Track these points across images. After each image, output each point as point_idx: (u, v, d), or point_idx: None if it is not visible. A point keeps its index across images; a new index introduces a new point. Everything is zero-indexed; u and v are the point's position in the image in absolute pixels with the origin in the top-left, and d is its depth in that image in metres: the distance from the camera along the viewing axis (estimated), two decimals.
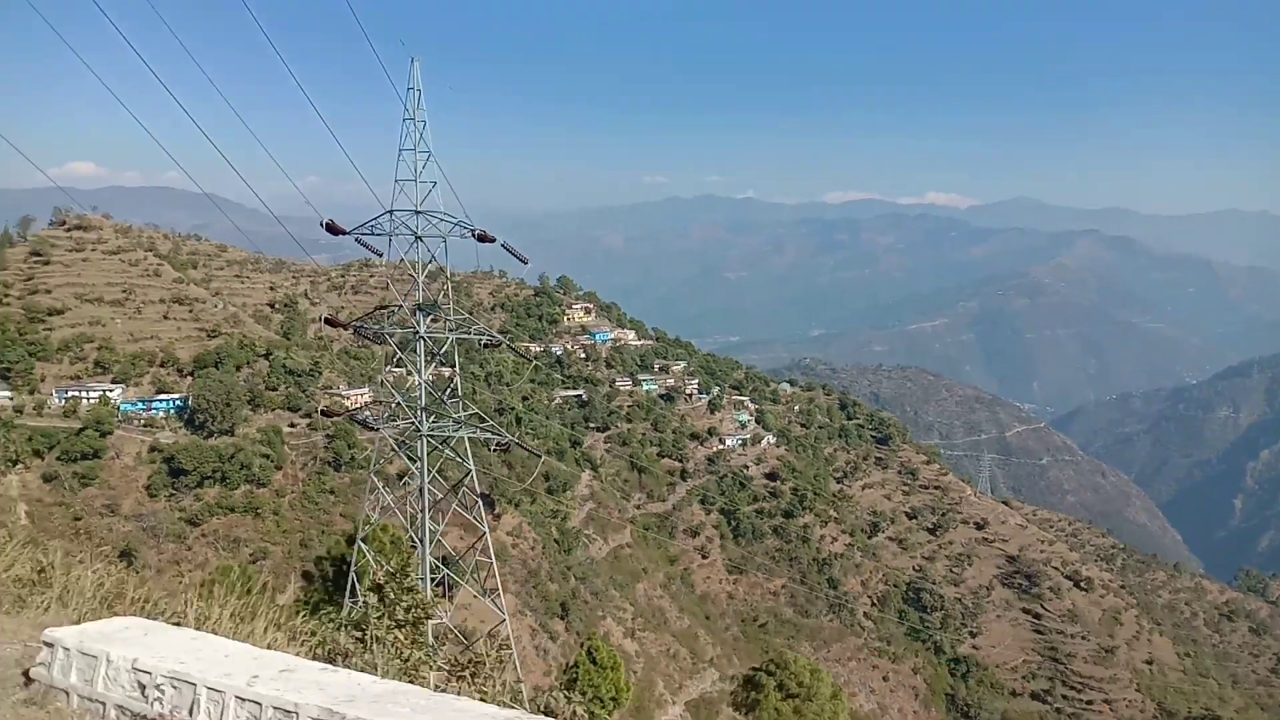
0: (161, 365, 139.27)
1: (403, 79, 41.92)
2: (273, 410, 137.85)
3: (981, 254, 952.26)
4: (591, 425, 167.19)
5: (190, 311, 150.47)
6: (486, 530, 43.32)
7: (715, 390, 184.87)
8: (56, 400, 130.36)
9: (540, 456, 66.04)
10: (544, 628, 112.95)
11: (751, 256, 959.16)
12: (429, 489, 42.75)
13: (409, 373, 50.76)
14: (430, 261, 42.21)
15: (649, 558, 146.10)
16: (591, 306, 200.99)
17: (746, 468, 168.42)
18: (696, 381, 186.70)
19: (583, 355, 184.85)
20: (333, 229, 40.50)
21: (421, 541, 40.16)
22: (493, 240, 40.27)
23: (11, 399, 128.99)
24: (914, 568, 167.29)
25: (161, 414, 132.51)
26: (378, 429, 44.33)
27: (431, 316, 42.83)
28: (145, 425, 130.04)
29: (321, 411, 76.22)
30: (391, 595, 11.31)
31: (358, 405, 72.76)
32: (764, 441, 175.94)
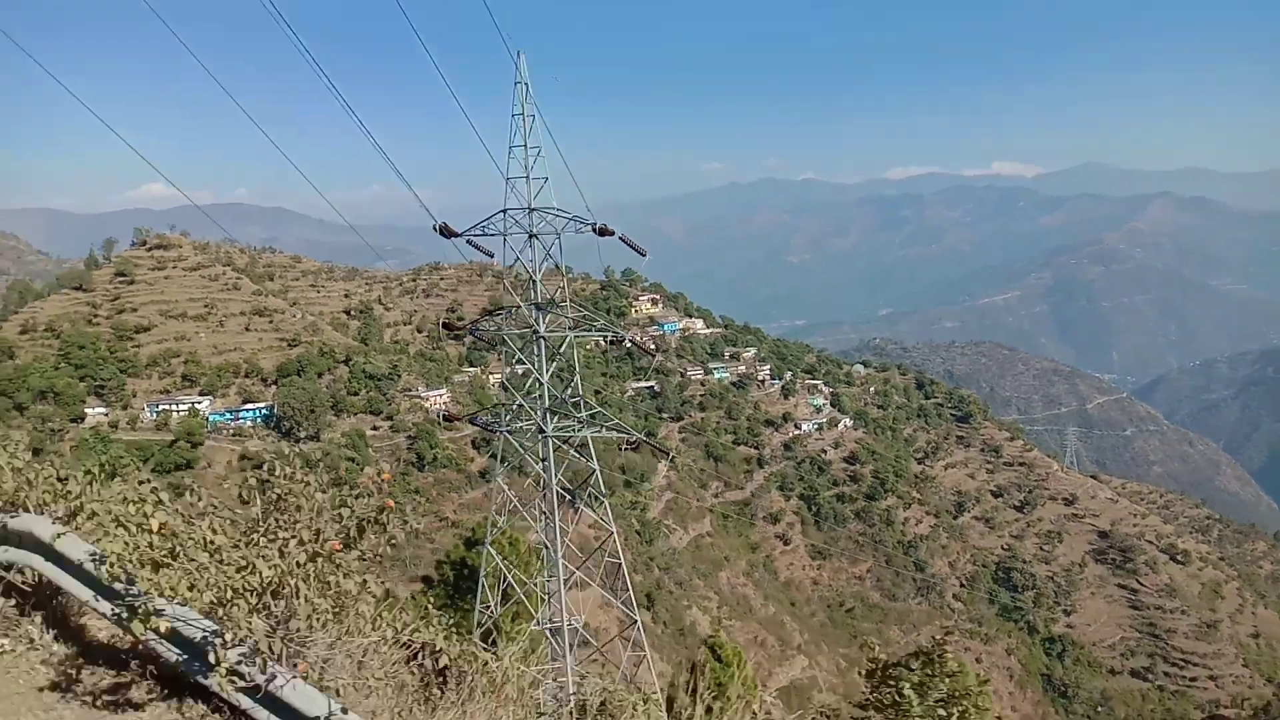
0: (246, 375, 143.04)
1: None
2: (355, 414, 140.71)
3: (1052, 223, 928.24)
4: (665, 416, 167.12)
5: (270, 322, 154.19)
6: (614, 530, 43.09)
7: (788, 375, 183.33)
8: (149, 414, 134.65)
9: (669, 454, 64.09)
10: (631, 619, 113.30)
11: (814, 238, 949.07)
12: (554, 489, 42.65)
13: (514, 373, 50.75)
14: (545, 259, 41.89)
15: (730, 546, 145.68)
16: (658, 297, 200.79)
17: (824, 452, 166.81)
18: (768, 367, 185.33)
19: (652, 346, 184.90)
20: (446, 232, 40.54)
21: (552, 543, 40.18)
22: (612, 233, 39.87)
23: (107, 414, 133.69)
24: (1002, 547, 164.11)
25: (249, 423, 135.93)
26: (501, 430, 44.18)
27: (550, 315, 42.49)
28: (234, 435, 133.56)
29: (445, 416, 76.86)
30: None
31: (480, 409, 72.84)
32: (841, 425, 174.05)
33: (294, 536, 6.81)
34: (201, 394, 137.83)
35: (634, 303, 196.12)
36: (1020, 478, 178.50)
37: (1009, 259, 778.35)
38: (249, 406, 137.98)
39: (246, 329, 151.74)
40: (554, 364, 42.02)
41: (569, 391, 43.22)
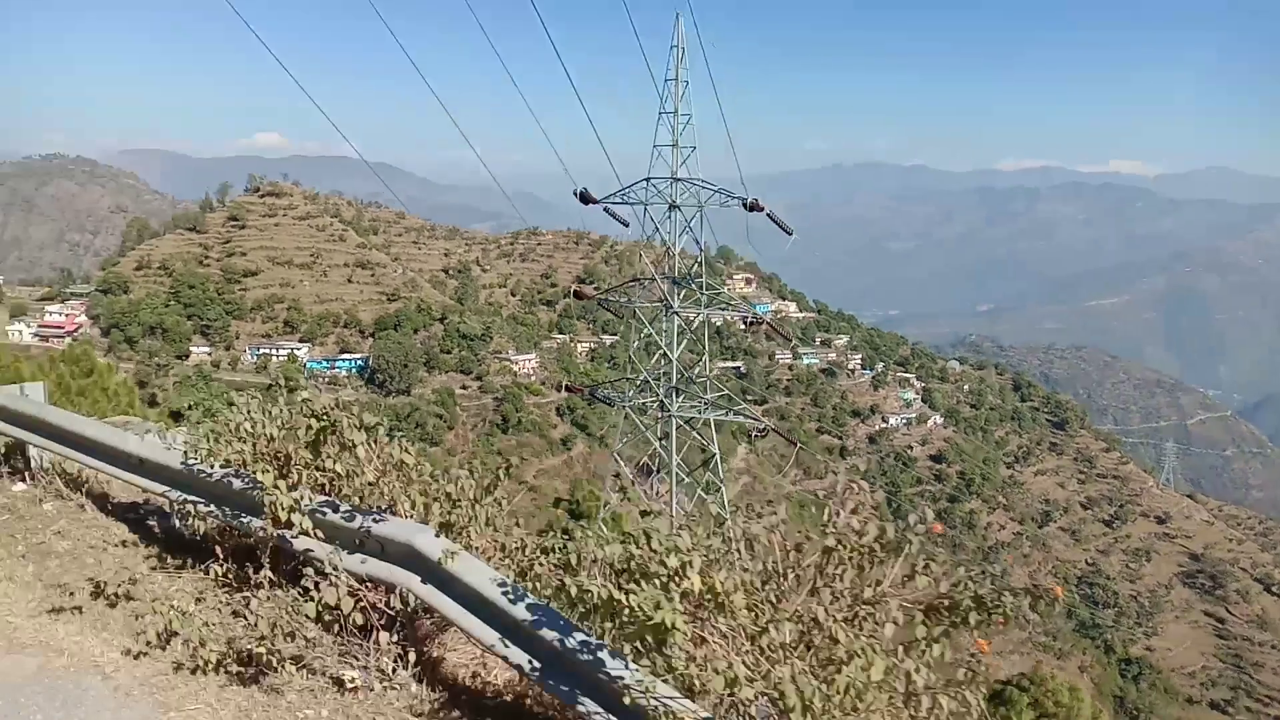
0: (345, 326, 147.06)
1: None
2: (446, 372, 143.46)
3: (1170, 227, 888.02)
4: (749, 398, 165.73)
5: (372, 275, 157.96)
6: (728, 518, 42.36)
7: (879, 366, 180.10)
8: (249, 357, 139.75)
9: (799, 444, 62.33)
10: None
11: (917, 226, 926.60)
12: (674, 468, 41.97)
13: (638, 347, 49.82)
14: (685, 231, 40.98)
15: (805, 536, 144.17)
16: (752, 277, 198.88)
17: (910, 448, 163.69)
18: (860, 357, 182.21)
19: (742, 327, 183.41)
20: (585, 198, 40.51)
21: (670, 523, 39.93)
22: (763, 209, 39.04)
23: (210, 354, 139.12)
24: (1087, 561, 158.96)
25: (344, 372, 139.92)
26: (620, 404, 43.96)
27: (684, 291, 41.70)
28: (329, 383, 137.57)
29: (566, 387, 77.22)
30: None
31: (602, 381, 71.77)
32: (930, 421, 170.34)
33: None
34: (301, 341, 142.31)
35: (728, 281, 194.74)
36: (1113, 491, 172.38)
37: (1121, 261, 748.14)
38: (345, 356, 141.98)
39: (349, 280, 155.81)
40: (684, 341, 41.31)
41: (696, 371, 42.66)
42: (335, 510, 5.70)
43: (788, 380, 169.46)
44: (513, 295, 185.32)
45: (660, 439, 41.25)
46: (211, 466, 6.30)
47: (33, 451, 8.15)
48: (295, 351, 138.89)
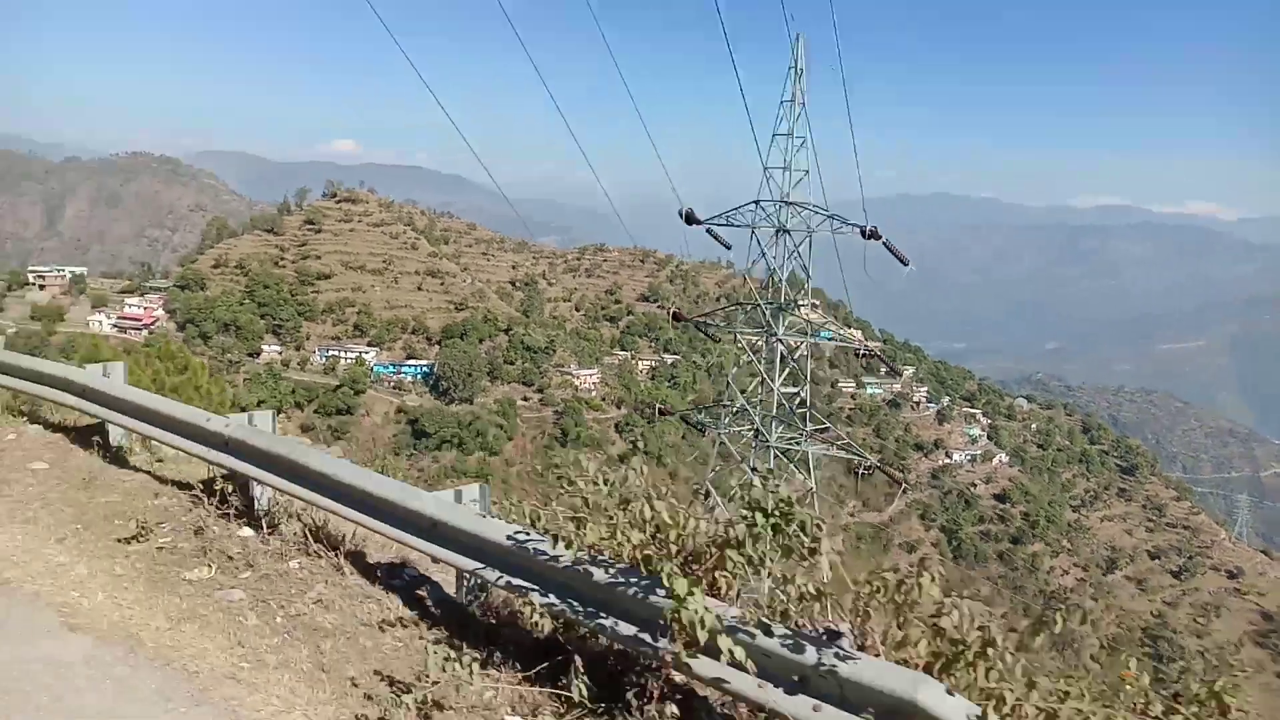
0: (413, 333, 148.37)
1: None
2: (509, 383, 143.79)
3: (1247, 272, 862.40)
4: (809, 425, 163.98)
5: (441, 284, 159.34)
6: (826, 559, 40.58)
7: (945, 400, 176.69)
8: (318, 358, 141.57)
9: (903, 484, 59.41)
10: None
11: (986, 260, 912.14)
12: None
13: (737, 371, 48.56)
14: (793, 255, 40.13)
15: (860, 569, 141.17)
16: (818, 303, 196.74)
17: (974, 485, 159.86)
18: (925, 389, 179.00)
19: (805, 353, 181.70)
20: (690, 218, 39.92)
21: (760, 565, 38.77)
22: (879, 238, 38.10)
23: (280, 353, 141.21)
24: (1153, 613, 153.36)
25: (410, 378, 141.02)
26: (715, 431, 43.01)
27: (789, 319, 40.67)
28: (394, 387, 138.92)
29: (659, 410, 76.02)
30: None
31: (695, 406, 71.12)
32: (995, 459, 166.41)
33: None
34: (369, 345, 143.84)
35: (795, 306, 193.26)
36: (1182, 541, 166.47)
37: (1197, 305, 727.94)
38: (411, 362, 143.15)
39: (419, 288, 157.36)
40: (786, 369, 40.46)
41: (796, 401, 41.54)
42: (768, 633, 4.26)
43: (850, 409, 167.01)
44: (577, 310, 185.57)
45: (754, 469, 39.89)
46: (555, 547, 5.06)
47: (257, 489, 7.26)
48: (363, 355, 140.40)
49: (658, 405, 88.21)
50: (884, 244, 38.46)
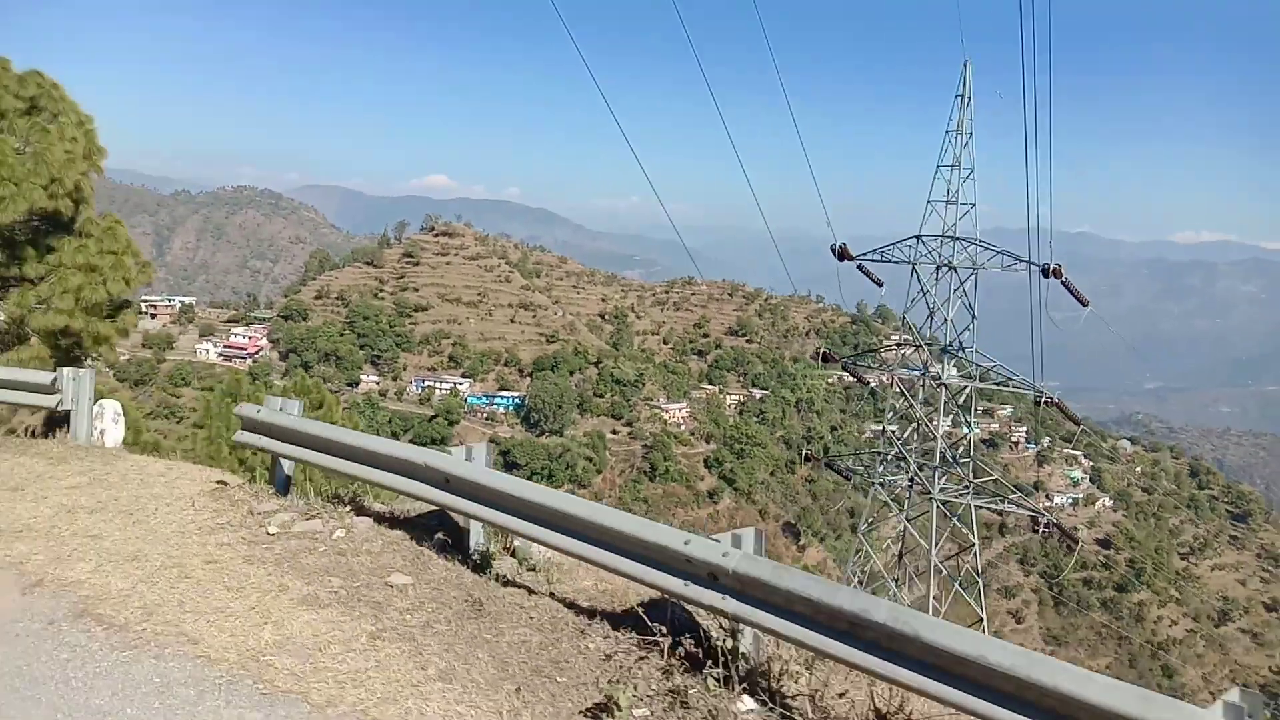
0: (505, 364, 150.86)
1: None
2: (598, 415, 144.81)
3: None
4: (902, 466, 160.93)
5: (533, 317, 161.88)
6: (984, 618, 38.91)
7: (1045, 441, 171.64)
8: (414, 388, 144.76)
9: (1078, 543, 54.94)
10: None
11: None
12: (934, 559, 38.69)
13: (889, 418, 46.75)
14: (957, 292, 38.90)
15: (955, 614, 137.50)
16: (910, 338, 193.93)
17: (1076, 529, 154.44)
18: (1024, 429, 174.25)
19: (898, 390, 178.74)
20: (843, 254, 39.75)
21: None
22: (1061, 276, 37.23)
23: (378, 383, 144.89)
24: (1271, 668, 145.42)
25: (502, 409, 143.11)
26: (872, 483, 41.43)
27: (954, 361, 39.31)
28: (487, 418, 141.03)
29: (805, 456, 74.51)
30: None
31: (844, 455, 67.18)
32: (1099, 504, 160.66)
33: None
34: (464, 376, 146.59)
35: (885, 341, 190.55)
36: None
37: None
38: (504, 394, 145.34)
39: (512, 320, 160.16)
40: (949, 416, 39.09)
41: (960, 451, 40.17)
42: None
43: (943, 449, 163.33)
44: (665, 343, 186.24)
45: (909, 518, 38.67)
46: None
47: (748, 635, 5.20)
48: (458, 386, 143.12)
49: (805, 451, 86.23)
50: (1063, 283, 37.25)
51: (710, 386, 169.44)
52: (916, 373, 39.47)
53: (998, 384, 39.41)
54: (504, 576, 6.74)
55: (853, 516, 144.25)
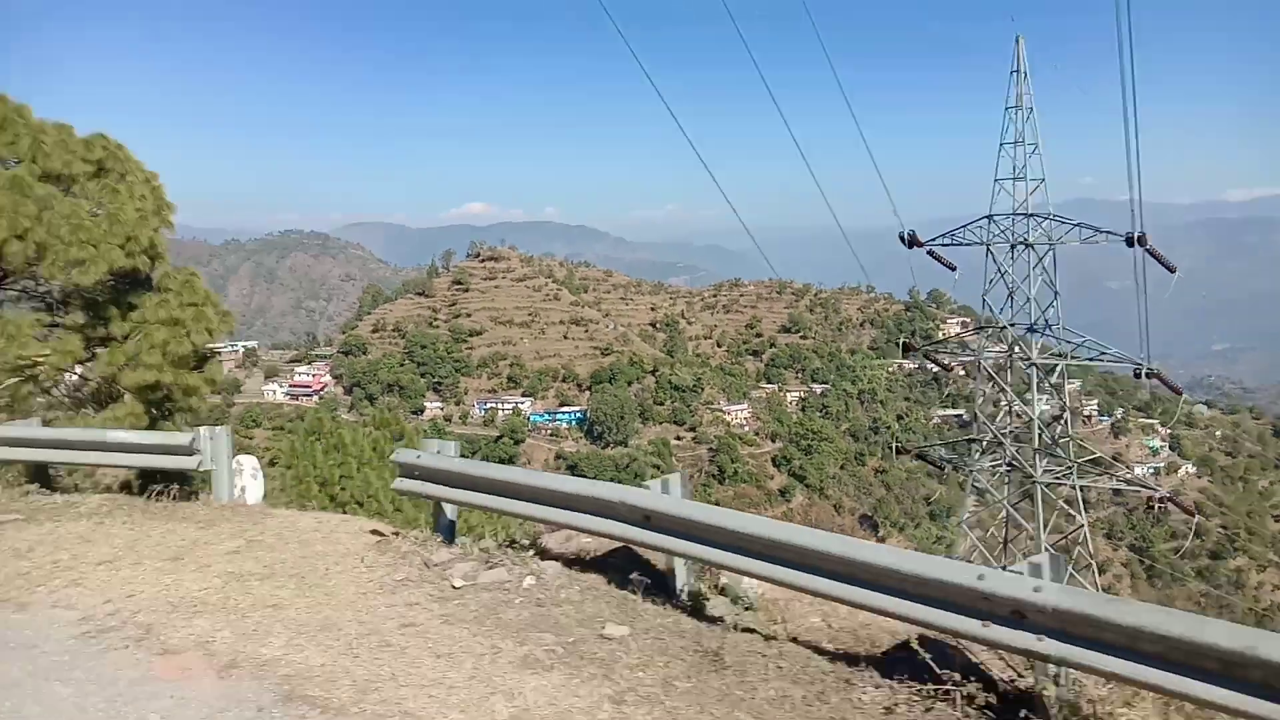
0: (563, 380, 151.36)
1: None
2: (660, 423, 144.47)
3: None
4: (974, 447, 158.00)
5: (586, 331, 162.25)
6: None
7: (1118, 412, 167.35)
8: (477, 411, 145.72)
9: (1194, 516, 53.12)
10: None
11: (1138, 263, 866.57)
12: (1044, 544, 37.82)
13: (976, 403, 45.50)
14: (1037, 269, 38.10)
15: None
16: (969, 321, 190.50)
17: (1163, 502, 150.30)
18: (1096, 402, 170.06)
19: (962, 372, 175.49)
20: (912, 241, 39.20)
21: None
22: (1146, 244, 36.35)
23: (442, 409, 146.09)
24: None
25: (565, 425, 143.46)
26: (969, 471, 40.64)
27: (1041, 339, 38.34)
28: (551, 435, 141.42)
29: (895, 449, 73.54)
30: None
31: (934, 444, 65.22)
32: (1181, 471, 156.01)
33: None
34: (524, 395, 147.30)
35: (941, 325, 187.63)
36: None
37: None
38: (565, 409, 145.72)
39: (565, 337, 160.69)
40: (1043, 396, 38.33)
41: (1059, 432, 39.36)
42: None
43: (1015, 428, 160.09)
44: (719, 346, 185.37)
45: (1007, 502, 37.71)
46: None
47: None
48: (519, 405, 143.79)
49: (894, 444, 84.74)
50: (1148, 251, 36.19)
51: (769, 385, 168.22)
52: (1002, 355, 38.25)
53: (1090, 359, 37.71)
54: (722, 619, 6.12)
55: (929, 504, 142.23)
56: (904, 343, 51.99)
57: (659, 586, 6.70)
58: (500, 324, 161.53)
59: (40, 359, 14.54)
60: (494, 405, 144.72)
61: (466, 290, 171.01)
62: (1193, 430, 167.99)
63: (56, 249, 14.48)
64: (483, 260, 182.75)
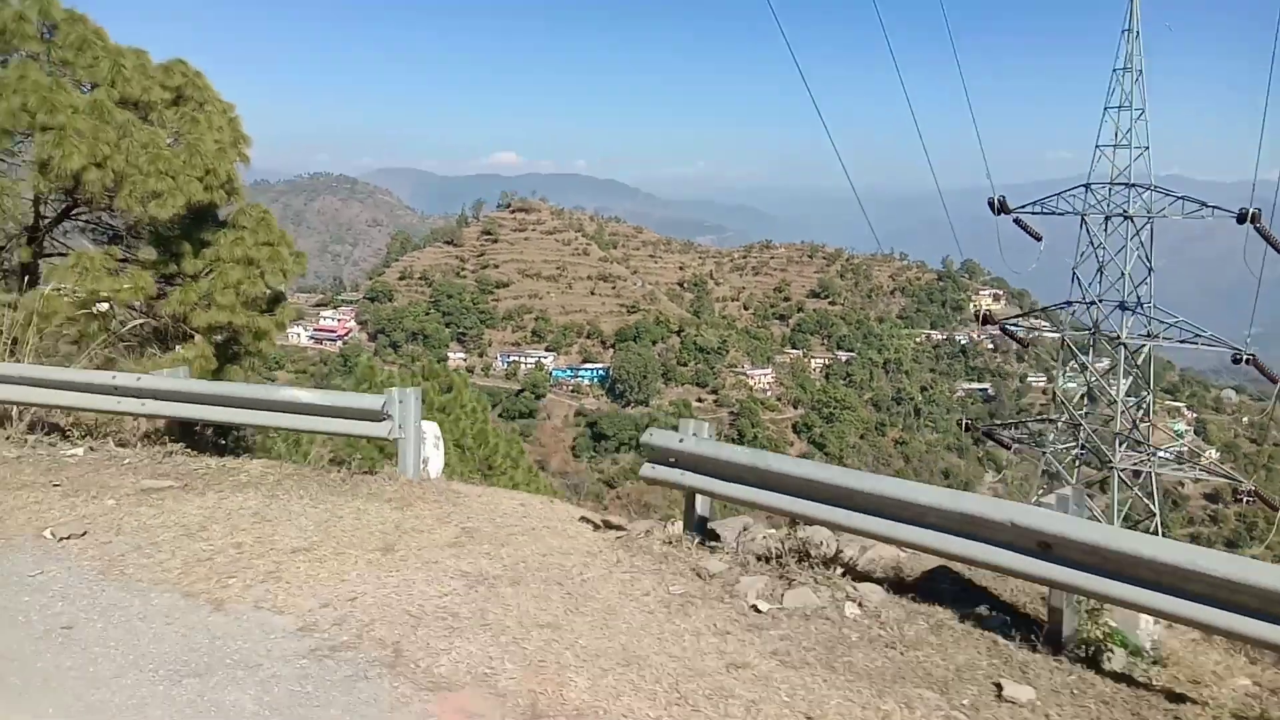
0: (588, 337, 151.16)
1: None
2: (683, 384, 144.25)
3: None
4: (996, 422, 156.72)
5: (613, 288, 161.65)
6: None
7: (1145, 394, 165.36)
8: (500, 363, 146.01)
9: (1278, 510, 51.09)
10: None
11: (1175, 242, 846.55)
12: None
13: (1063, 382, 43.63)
14: (1132, 241, 36.40)
15: None
16: (1000, 293, 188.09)
17: (1181, 485, 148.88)
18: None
19: (990, 346, 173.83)
20: (1002, 207, 37.93)
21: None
22: (1258, 222, 34.91)
23: (465, 359, 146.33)
24: None
25: (586, 381, 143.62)
26: (1044, 453, 39.06)
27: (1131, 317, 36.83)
28: (573, 391, 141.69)
29: (965, 425, 71.24)
30: None
31: (1005, 422, 62.27)
32: (1204, 457, 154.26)
33: None
34: (547, 350, 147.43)
35: (973, 297, 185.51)
36: None
37: None
38: (588, 366, 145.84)
39: (591, 293, 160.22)
40: (1129, 379, 36.70)
41: (1139, 415, 37.73)
42: None
43: (1041, 405, 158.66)
44: (746, 309, 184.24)
45: (1075, 486, 35.98)
46: None
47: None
48: (542, 360, 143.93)
49: (963, 421, 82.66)
50: (1258, 229, 34.66)
51: (794, 351, 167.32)
52: (1086, 332, 36.85)
53: (1182, 341, 36.03)
54: (1129, 676, 4.98)
55: (947, 478, 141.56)
56: (982, 315, 49.65)
57: (1019, 624, 5.47)
58: (528, 277, 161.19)
59: (112, 295, 14.09)
60: (516, 359, 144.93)
61: (495, 241, 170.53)
62: (1219, 415, 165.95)
63: (134, 179, 13.73)
64: (513, 211, 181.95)
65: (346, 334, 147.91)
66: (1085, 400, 40.14)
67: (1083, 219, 36.65)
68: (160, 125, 14.87)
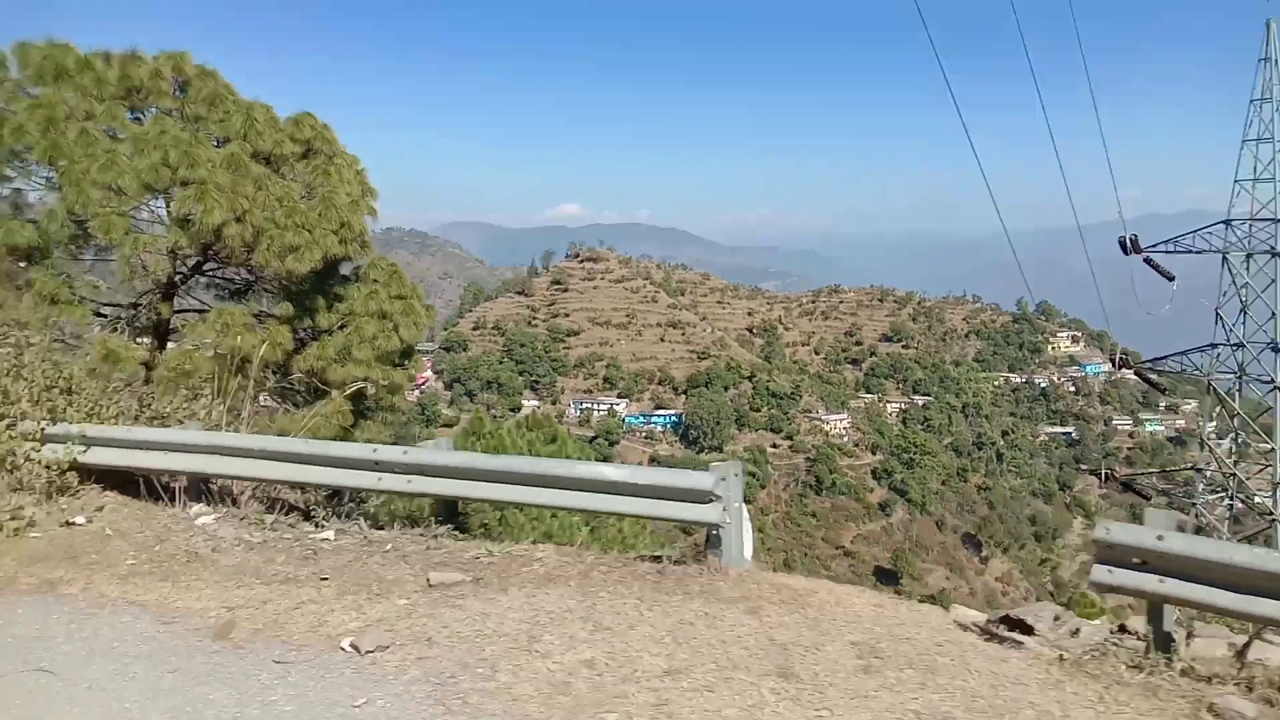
0: (659, 383, 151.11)
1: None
2: (756, 430, 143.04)
3: None
4: (1082, 467, 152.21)
5: (682, 334, 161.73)
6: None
7: (1237, 436, 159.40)
8: (573, 411, 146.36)
9: None
10: None
11: (1253, 280, 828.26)
12: None
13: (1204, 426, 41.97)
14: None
15: None
16: (1080, 335, 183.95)
17: None
18: (1215, 424, 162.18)
19: (1072, 389, 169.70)
20: (1133, 246, 37.19)
21: None
22: None
23: (539, 407, 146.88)
24: None
25: (660, 428, 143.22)
26: (1193, 505, 37.74)
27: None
28: (646, 437, 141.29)
29: (1106, 475, 69.93)
30: None
31: (1148, 471, 59.72)
32: None
33: None
34: (619, 396, 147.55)
35: (1050, 339, 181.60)
36: None
37: None
38: (660, 412, 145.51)
39: (661, 339, 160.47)
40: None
41: None
42: None
43: (1128, 449, 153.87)
44: (816, 353, 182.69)
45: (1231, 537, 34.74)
46: None
47: None
48: (614, 407, 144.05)
49: (1104, 471, 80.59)
50: None
51: (869, 395, 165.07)
52: (1230, 374, 35.30)
53: None
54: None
55: (1034, 524, 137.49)
56: (1119, 358, 47.82)
57: None
58: (598, 325, 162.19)
59: (252, 351, 14.09)
60: (589, 405, 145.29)
61: (565, 290, 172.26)
62: None
63: (271, 233, 13.72)
64: (581, 261, 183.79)
65: (424, 383, 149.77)
66: (1234, 449, 38.40)
67: (1224, 256, 35.14)
68: (292, 179, 14.93)
